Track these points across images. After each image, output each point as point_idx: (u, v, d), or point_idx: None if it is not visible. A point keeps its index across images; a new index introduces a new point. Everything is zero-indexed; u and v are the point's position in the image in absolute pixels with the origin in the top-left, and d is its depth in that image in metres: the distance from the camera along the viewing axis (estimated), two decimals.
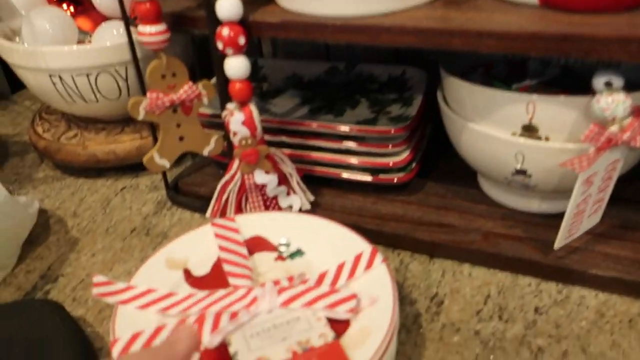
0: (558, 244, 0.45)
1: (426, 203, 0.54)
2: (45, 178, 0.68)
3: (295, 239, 0.45)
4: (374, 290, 0.38)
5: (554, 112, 0.41)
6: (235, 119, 0.46)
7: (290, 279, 0.40)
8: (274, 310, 0.37)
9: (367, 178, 0.55)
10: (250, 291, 0.39)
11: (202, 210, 0.54)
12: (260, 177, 0.49)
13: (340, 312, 0.37)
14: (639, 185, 0.52)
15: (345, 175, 0.56)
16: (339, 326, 0.36)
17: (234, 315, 0.37)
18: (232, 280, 0.41)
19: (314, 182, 0.55)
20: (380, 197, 0.55)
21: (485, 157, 0.48)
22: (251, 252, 0.44)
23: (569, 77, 0.52)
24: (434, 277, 0.48)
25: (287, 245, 0.45)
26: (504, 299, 0.45)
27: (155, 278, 0.41)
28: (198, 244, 0.44)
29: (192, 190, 0.60)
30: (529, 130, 0.43)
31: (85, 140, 0.64)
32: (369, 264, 0.40)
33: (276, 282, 0.40)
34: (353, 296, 0.37)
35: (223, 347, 0.35)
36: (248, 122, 0.46)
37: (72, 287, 0.49)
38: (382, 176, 0.54)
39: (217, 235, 0.44)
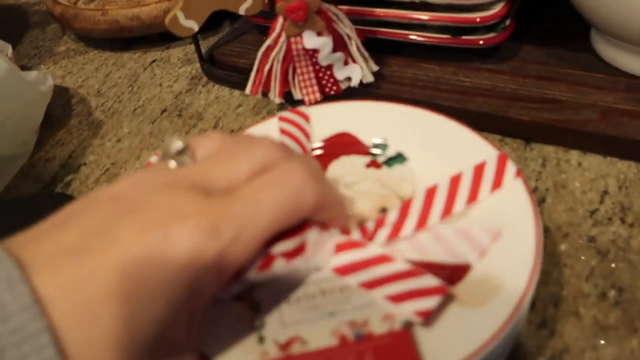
0: None
1: (522, 72, 0.42)
2: (67, 52, 0.59)
3: (394, 138, 0.33)
4: (505, 219, 0.27)
5: None
6: None
7: (380, 222, 0.28)
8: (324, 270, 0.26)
9: (445, 40, 0.43)
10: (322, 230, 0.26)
11: (243, 85, 0.45)
12: (311, 40, 0.38)
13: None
14: None
15: (417, 37, 0.44)
16: (450, 272, 0.25)
17: (290, 256, 0.25)
18: None
19: (377, 47, 0.43)
20: (462, 65, 0.44)
21: (616, 3, 0.35)
22: (334, 155, 0.33)
23: None
24: (532, 168, 0.38)
25: (384, 146, 0.33)
26: (627, 197, 0.35)
27: None
28: None
29: (230, 61, 0.50)
30: None
31: (104, 3, 0.55)
32: (497, 180, 0.28)
33: (361, 227, 0.28)
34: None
35: (243, 309, 0.25)
36: None
37: (95, 178, 0.43)
38: (465, 37, 0.42)
39: (284, 132, 0.34)
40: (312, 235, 0.25)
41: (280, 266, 0.24)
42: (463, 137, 0.31)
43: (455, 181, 0.29)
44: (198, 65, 0.52)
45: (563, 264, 0.32)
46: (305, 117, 0.35)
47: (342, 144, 0.34)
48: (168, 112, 0.48)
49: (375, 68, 0.42)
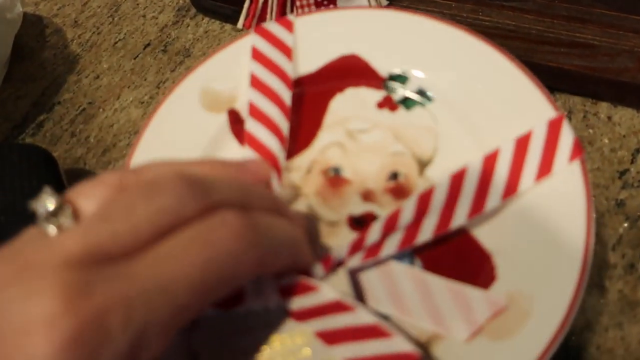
0: None
1: (550, 12, 0.37)
2: None
3: (418, 67, 0.26)
4: (543, 228, 0.21)
5: None
6: None
7: (389, 225, 0.21)
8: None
9: None
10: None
11: (235, 19, 0.40)
12: None
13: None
14: None
15: None
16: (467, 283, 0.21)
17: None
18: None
19: None
20: (482, 2, 0.39)
21: None
22: (337, 86, 0.26)
23: None
24: None
25: (403, 79, 0.26)
26: None
27: (183, 122, 0.26)
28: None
29: None
30: None
31: None
32: (545, 163, 0.21)
33: (388, 223, 0.22)
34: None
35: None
36: None
37: (70, 118, 0.38)
38: None
39: (256, 56, 0.26)
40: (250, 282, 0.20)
41: (212, 315, 0.20)
42: (508, 77, 0.24)
43: (489, 164, 0.22)
44: None
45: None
46: (289, 27, 0.27)
47: (349, 71, 0.26)
48: (152, 47, 0.43)
49: (385, 2, 0.37)
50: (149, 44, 0.44)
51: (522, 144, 0.22)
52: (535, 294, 0.20)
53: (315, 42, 0.27)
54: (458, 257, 0.22)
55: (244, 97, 0.26)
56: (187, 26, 0.45)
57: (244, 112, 0.26)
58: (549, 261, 0.20)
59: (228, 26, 0.44)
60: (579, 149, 0.22)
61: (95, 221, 0.16)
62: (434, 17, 0.26)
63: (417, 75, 0.26)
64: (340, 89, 0.27)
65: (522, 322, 0.19)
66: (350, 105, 0.26)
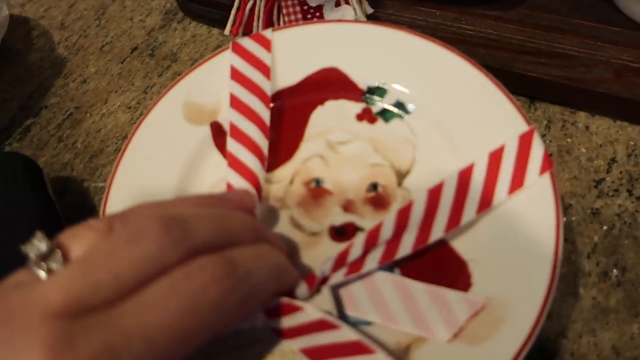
0: None
1: (530, 21, 0.38)
2: None
3: (396, 79, 0.26)
4: (516, 238, 0.22)
5: None
6: None
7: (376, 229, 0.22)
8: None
9: None
10: None
11: (223, 23, 0.40)
12: None
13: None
14: None
15: None
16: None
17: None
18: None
19: None
20: (465, 10, 0.40)
21: None
22: (318, 98, 0.27)
23: None
24: None
25: (382, 92, 0.27)
26: (637, 166, 0.32)
27: (167, 134, 0.27)
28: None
29: None
30: None
31: None
32: (517, 177, 0.22)
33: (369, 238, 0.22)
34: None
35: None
36: None
37: (57, 123, 0.39)
38: None
39: (235, 76, 0.27)
40: None
41: None
42: (483, 91, 0.25)
43: (464, 178, 0.23)
44: None
45: (564, 239, 0.29)
46: (267, 46, 0.27)
47: (329, 83, 0.27)
48: (139, 51, 0.43)
49: (370, 10, 0.38)
50: (136, 48, 0.44)
51: (496, 158, 0.23)
52: (508, 301, 0.21)
53: (296, 55, 0.28)
54: (435, 266, 0.23)
55: (225, 116, 0.27)
56: (175, 30, 0.45)
57: (226, 128, 0.26)
58: (521, 269, 0.22)
59: (215, 30, 0.44)
60: (549, 162, 0.23)
61: (79, 269, 0.17)
62: (412, 32, 0.27)
63: (396, 88, 0.27)
64: (321, 101, 0.27)
65: (497, 327, 0.20)
66: (330, 118, 0.27)
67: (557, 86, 0.35)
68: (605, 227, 0.30)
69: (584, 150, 0.33)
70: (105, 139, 0.37)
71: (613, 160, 0.33)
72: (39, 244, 0.18)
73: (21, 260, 0.18)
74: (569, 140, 0.34)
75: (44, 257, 0.17)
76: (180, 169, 0.26)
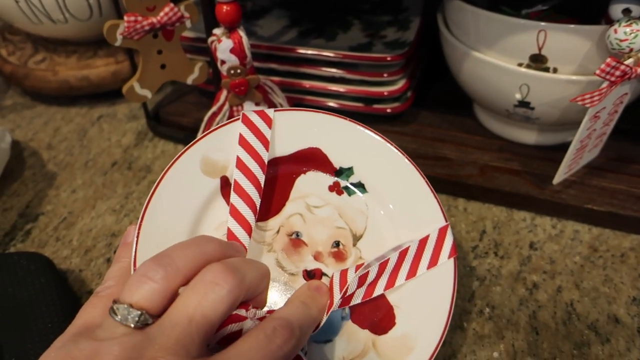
0: (557, 179, 0.44)
1: (421, 134, 0.52)
2: (14, 106, 0.63)
3: (360, 165, 0.34)
4: (427, 294, 0.32)
5: (567, 42, 0.39)
6: (223, 46, 0.42)
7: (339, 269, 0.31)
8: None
9: (359, 108, 0.52)
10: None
11: (186, 141, 0.51)
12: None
13: None
14: (637, 115, 0.51)
15: (336, 105, 0.53)
16: (376, 326, 0.31)
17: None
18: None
19: None
20: (372, 127, 0.53)
21: (487, 87, 0.45)
22: (302, 169, 0.34)
23: (581, 1, 0.48)
24: None
25: (350, 172, 0.34)
26: (500, 235, 0.45)
27: (187, 183, 0.32)
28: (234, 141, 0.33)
29: (175, 120, 0.56)
30: (537, 60, 0.41)
31: (55, 65, 0.60)
32: (434, 258, 0.32)
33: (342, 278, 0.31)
34: None
35: None
36: (237, 50, 0.42)
37: (54, 226, 0.47)
38: (375, 106, 0.52)
39: (242, 142, 0.33)
40: None
41: None
42: (420, 190, 0.33)
43: (401, 256, 0.32)
44: (144, 121, 0.58)
45: None
46: (268, 122, 0.34)
47: (312, 159, 0.34)
48: (118, 165, 0.54)
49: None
50: (115, 163, 0.54)
51: (422, 243, 0.32)
52: (418, 334, 0.31)
53: (291, 133, 0.34)
54: (373, 307, 0.32)
55: (231, 172, 0.33)
56: (147, 147, 0.56)
57: (231, 182, 0.33)
58: (428, 313, 0.32)
59: (180, 146, 0.55)
60: (455, 250, 0.33)
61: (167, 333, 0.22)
62: (376, 133, 0.34)
63: (359, 172, 0.34)
64: (305, 171, 0.34)
65: (408, 354, 0.30)
66: (310, 185, 0.34)
67: (441, 181, 0.48)
68: (479, 279, 0.41)
69: (463, 226, 0.46)
70: (97, 237, 0.46)
71: (483, 232, 0.45)
72: (130, 312, 0.23)
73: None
74: (452, 218, 0.46)
75: (140, 320, 0.22)
76: (195, 212, 0.32)
